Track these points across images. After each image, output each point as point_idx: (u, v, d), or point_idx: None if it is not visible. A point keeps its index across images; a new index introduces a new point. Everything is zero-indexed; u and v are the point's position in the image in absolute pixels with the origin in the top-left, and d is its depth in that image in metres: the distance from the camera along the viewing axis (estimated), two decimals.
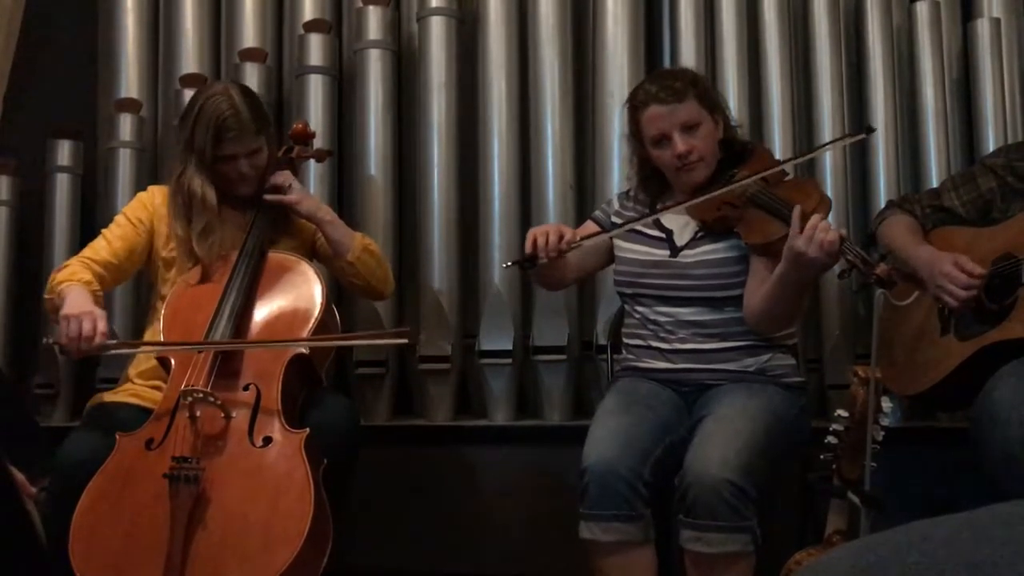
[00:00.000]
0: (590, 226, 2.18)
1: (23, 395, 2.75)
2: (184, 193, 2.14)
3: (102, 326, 1.88)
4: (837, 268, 1.85)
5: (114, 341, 1.97)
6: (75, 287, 1.98)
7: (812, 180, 2.34)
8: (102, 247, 2.14)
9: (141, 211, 2.20)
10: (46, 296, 2.05)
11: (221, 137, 2.10)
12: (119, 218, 2.21)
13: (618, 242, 2.11)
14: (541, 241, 1.91)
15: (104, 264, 2.10)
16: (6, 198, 2.92)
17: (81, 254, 2.13)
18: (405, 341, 2.02)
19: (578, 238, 1.97)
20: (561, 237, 1.92)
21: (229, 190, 2.19)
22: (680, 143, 1.97)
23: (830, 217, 2.45)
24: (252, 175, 2.17)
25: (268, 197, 2.17)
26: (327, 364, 2.18)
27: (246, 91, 2.23)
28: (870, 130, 2.13)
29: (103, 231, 2.20)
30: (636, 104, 2.04)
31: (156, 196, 2.23)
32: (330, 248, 2.20)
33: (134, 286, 2.72)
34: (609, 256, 2.14)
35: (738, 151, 2.08)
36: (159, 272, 2.20)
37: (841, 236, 1.76)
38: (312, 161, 2.57)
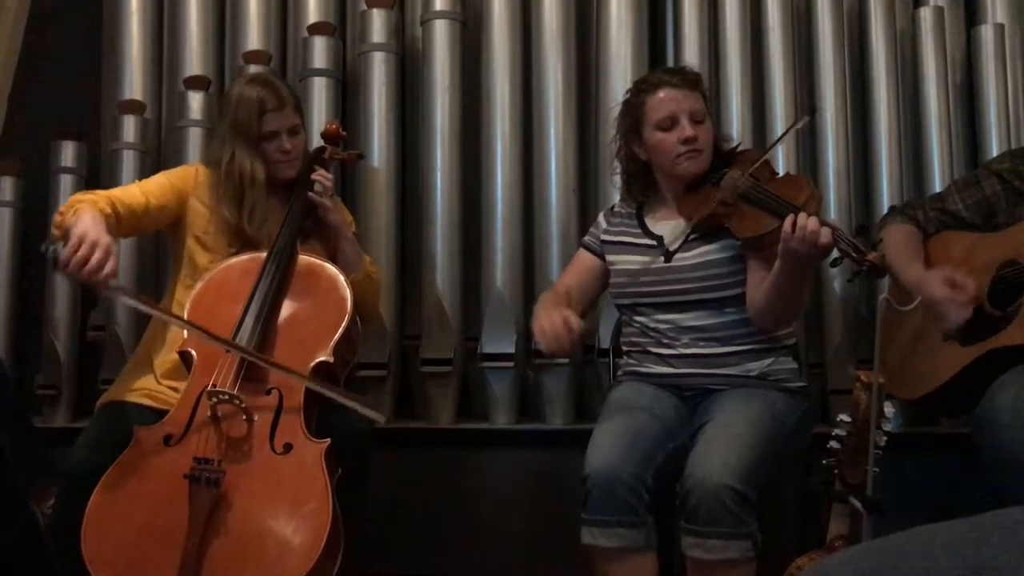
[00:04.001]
0: (581, 255, 2.18)
1: (23, 396, 2.75)
2: (235, 176, 2.13)
3: (111, 266, 1.82)
4: (830, 257, 1.86)
5: (120, 285, 1.89)
6: (95, 212, 1.91)
7: (802, 175, 2.35)
8: (134, 194, 2.09)
9: (183, 182, 2.18)
10: (60, 211, 1.96)
11: (264, 111, 2.13)
12: (160, 177, 2.18)
13: (611, 257, 2.11)
14: (555, 347, 1.86)
15: (128, 209, 2.04)
16: (10, 199, 2.93)
17: (109, 191, 2.07)
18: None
19: (582, 324, 1.91)
20: (568, 326, 1.85)
21: (272, 174, 2.19)
22: (688, 127, 1.99)
23: (832, 215, 2.50)
24: (294, 155, 2.19)
25: (312, 194, 2.17)
26: (346, 372, 2.13)
27: (278, 77, 2.32)
28: (813, 111, 2.12)
29: (139, 182, 2.16)
30: (645, 88, 2.05)
31: (200, 174, 2.21)
32: (339, 262, 2.19)
33: (139, 267, 2.72)
34: (608, 277, 2.14)
35: (726, 155, 2.10)
36: (189, 250, 2.16)
37: (832, 228, 1.78)
38: (345, 165, 2.56)
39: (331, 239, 2.23)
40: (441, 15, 2.70)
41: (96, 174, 2.96)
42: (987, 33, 2.62)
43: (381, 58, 2.74)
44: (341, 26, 2.93)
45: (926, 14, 2.61)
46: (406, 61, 2.85)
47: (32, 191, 2.96)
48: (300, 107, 2.25)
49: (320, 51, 2.77)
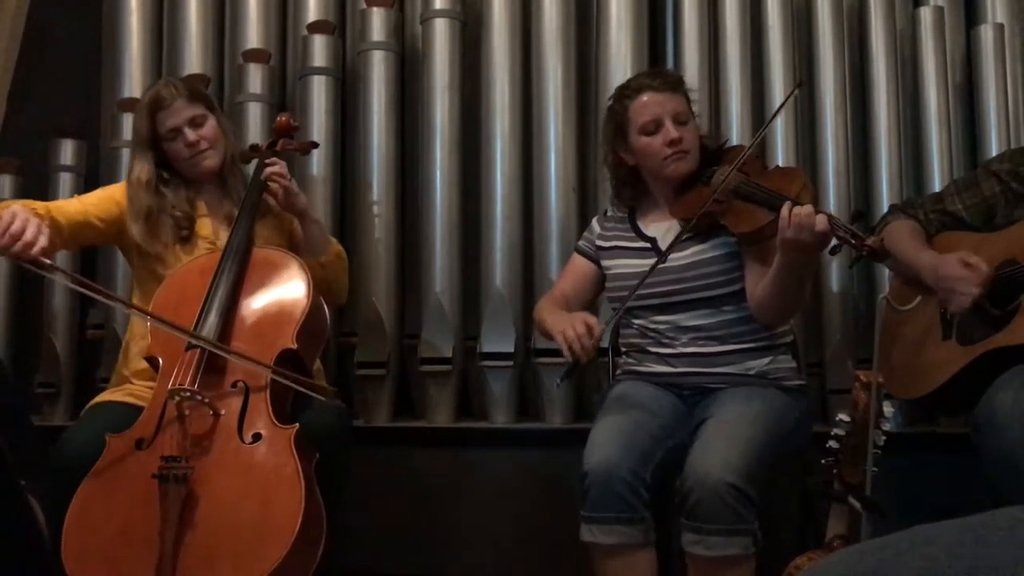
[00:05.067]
0: (576, 260, 2.19)
1: (22, 395, 2.75)
2: (132, 185, 2.17)
3: (44, 240, 1.83)
4: (829, 245, 1.86)
5: (48, 262, 1.88)
6: (21, 206, 1.93)
7: (794, 167, 2.35)
8: (72, 203, 2.14)
9: (121, 195, 2.19)
10: None
11: (157, 109, 2.16)
12: (100, 191, 2.22)
13: (605, 262, 2.11)
14: (577, 347, 1.83)
15: (66, 216, 2.07)
16: (9, 197, 2.92)
17: (49, 203, 2.12)
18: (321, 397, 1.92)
19: (603, 328, 1.90)
20: (589, 330, 1.84)
21: (193, 171, 2.19)
22: (673, 130, 2.00)
23: (831, 209, 2.49)
24: (205, 145, 2.18)
25: (272, 185, 2.18)
26: (317, 356, 2.16)
27: (183, 77, 2.36)
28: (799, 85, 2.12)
29: (79, 196, 2.19)
30: (627, 93, 2.06)
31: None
32: (307, 246, 2.22)
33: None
34: (603, 282, 2.14)
35: (714, 153, 2.10)
36: (137, 264, 2.20)
37: (828, 216, 1.78)
38: (298, 154, 2.57)
39: (288, 225, 2.24)
40: (441, 14, 2.70)
41: (95, 172, 2.96)
42: (987, 33, 2.62)
43: (381, 57, 2.74)
44: (341, 25, 2.93)
45: (926, 14, 2.61)
46: (406, 60, 2.85)
47: (32, 189, 2.95)
48: (201, 96, 2.22)
49: (320, 50, 2.77)
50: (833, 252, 1.88)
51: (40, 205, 2.05)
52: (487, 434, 2.58)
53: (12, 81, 2.95)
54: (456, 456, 2.60)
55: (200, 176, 2.22)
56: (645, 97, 2.02)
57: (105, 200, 2.18)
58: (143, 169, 2.16)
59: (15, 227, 1.81)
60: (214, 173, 2.23)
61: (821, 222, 1.76)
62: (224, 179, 2.25)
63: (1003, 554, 0.64)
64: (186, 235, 2.17)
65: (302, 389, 1.91)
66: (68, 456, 1.86)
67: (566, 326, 1.85)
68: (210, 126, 2.20)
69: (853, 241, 1.77)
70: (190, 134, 2.16)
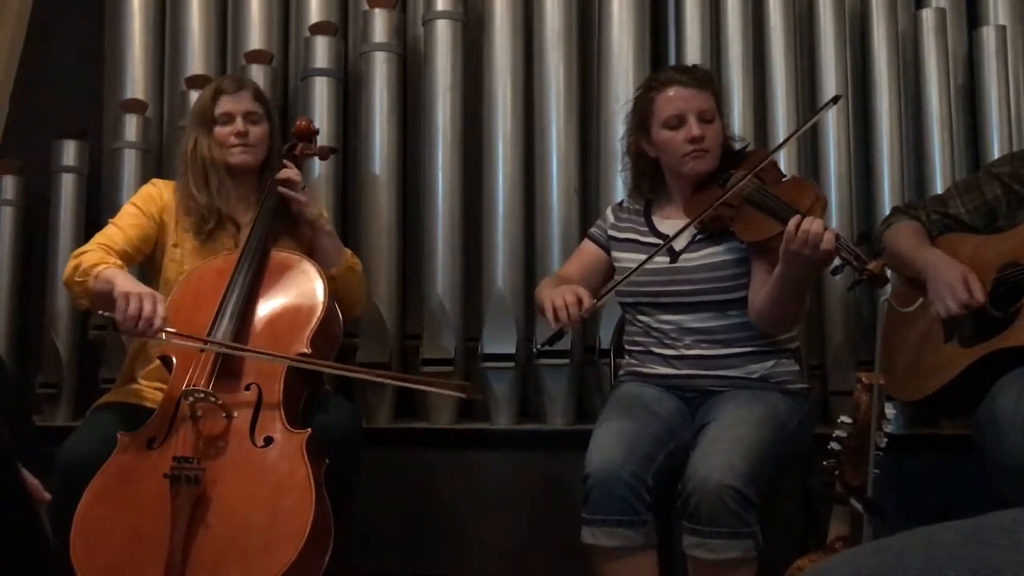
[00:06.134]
0: (587, 246, 2.19)
1: (24, 395, 2.75)
2: (198, 161, 2.19)
3: (161, 310, 1.87)
4: (831, 265, 1.86)
5: (171, 330, 1.92)
6: (118, 270, 1.97)
7: (809, 180, 2.35)
8: (116, 234, 2.13)
9: (151, 203, 2.21)
10: (76, 279, 2.01)
11: (220, 93, 2.20)
12: (130, 208, 2.21)
13: (616, 254, 2.11)
14: (563, 316, 1.86)
15: (120, 253, 2.09)
16: (11, 198, 2.93)
17: (96, 241, 2.11)
18: (462, 395, 2.04)
19: (594, 301, 1.92)
20: (579, 302, 1.87)
21: (226, 159, 2.20)
22: (695, 127, 1.99)
23: (833, 216, 2.50)
24: (251, 141, 2.20)
25: (281, 189, 2.18)
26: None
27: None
28: (836, 99, 2.11)
29: (113, 220, 2.19)
30: (655, 85, 2.05)
31: (164, 191, 2.24)
32: (317, 256, 2.20)
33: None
34: (612, 271, 2.14)
35: (735, 155, 2.10)
36: (163, 267, 2.20)
37: (836, 235, 1.77)
38: (317, 159, 2.57)
39: (307, 234, 2.24)
40: (443, 15, 2.70)
41: (97, 173, 2.96)
42: (989, 35, 2.62)
43: (383, 58, 2.74)
44: (343, 26, 2.93)
45: (928, 15, 2.61)
46: (407, 61, 2.85)
47: (33, 190, 2.96)
48: (264, 99, 2.27)
49: (322, 51, 2.77)
50: (835, 272, 1.87)
51: (99, 247, 2.06)
52: (488, 435, 2.58)
53: (14, 82, 2.95)
54: (457, 457, 2.60)
55: (232, 168, 2.21)
56: (672, 91, 2.01)
57: (141, 218, 2.18)
58: (215, 150, 2.19)
59: (133, 309, 1.84)
60: (240, 172, 2.22)
61: (828, 240, 1.75)
62: (257, 186, 2.25)
63: (1004, 556, 0.64)
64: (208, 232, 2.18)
65: (330, 370, 1.98)
66: (74, 456, 1.86)
67: (556, 295, 1.89)
68: (261, 128, 2.23)
69: (855, 263, 1.77)
70: (241, 125, 2.19)
